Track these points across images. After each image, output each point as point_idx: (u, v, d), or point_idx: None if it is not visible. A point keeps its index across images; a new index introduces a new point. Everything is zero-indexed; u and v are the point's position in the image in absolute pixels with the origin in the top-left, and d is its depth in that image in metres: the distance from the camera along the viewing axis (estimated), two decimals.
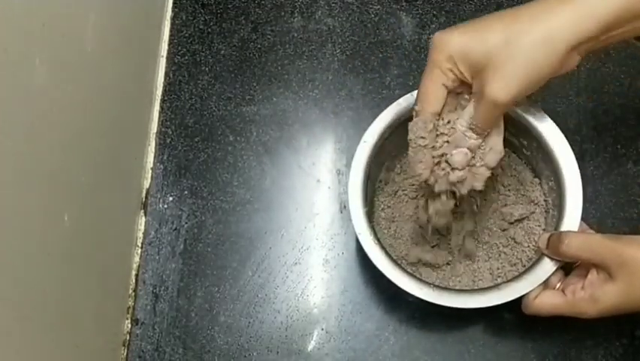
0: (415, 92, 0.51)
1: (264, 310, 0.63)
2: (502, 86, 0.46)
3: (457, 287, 0.58)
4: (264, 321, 0.63)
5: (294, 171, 0.67)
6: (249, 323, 0.63)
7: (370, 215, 0.57)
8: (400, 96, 0.68)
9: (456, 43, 0.46)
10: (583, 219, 0.54)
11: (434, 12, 0.71)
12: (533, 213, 0.59)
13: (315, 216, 0.65)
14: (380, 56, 0.70)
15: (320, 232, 0.65)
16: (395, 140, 0.56)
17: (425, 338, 0.61)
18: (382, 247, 0.54)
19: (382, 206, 0.61)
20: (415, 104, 0.50)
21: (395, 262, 0.54)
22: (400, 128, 0.55)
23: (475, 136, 0.49)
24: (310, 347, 0.62)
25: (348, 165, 0.66)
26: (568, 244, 0.50)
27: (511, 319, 0.61)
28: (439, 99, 0.49)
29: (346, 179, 0.64)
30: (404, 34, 0.70)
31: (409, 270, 0.56)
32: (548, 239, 0.52)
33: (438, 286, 0.53)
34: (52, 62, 0.48)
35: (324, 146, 0.67)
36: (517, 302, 0.53)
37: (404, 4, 0.71)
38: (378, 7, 0.71)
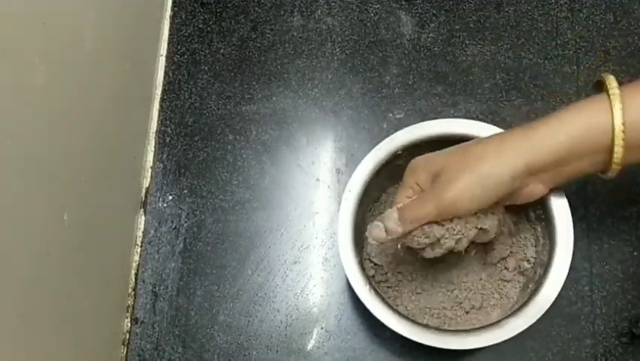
0: (393, 135, 0.57)
1: (264, 309, 0.63)
2: (452, 191, 0.49)
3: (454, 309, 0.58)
4: (263, 320, 0.63)
5: (293, 170, 0.67)
6: (249, 321, 0.63)
7: (361, 261, 0.56)
8: (399, 95, 0.68)
9: (422, 158, 0.53)
10: (583, 219, 0.53)
11: (433, 11, 0.71)
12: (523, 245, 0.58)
13: (315, 215, 0.65)
14: (379, 55, 0.70)
15: (319, 230, 0.65)
16: (375, 185, 0.57)
17: None
18: (377, 293, 0.53)
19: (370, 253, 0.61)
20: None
21: (389, 305, 0.53)
22: (381, 172, 0.56)
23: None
24: (310, 346, 0.62)
25: (348, 164, 0.66)
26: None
27: None
28: None
29: (346, 178, 0.64)
30: (403, 33, 0.70)
31: (404, 313, 0.56)
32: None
33: (440, 330, 0.53)
34: (52, 61, 0.48)
35: (323, 145, 0.67)
36: None
37: (403, 3, 0.71)
38: (378, 6, 0.71)
